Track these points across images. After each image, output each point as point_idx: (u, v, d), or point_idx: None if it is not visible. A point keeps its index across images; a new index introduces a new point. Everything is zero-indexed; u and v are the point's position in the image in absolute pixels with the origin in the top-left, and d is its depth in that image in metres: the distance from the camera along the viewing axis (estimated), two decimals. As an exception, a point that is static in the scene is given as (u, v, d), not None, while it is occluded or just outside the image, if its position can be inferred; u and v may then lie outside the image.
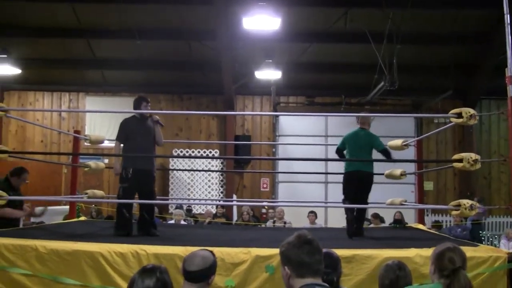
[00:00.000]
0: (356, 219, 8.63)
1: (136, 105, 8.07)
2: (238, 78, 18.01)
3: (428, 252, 4.59)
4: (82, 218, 11.01)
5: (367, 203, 8.87)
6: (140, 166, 7.83)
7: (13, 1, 15.70)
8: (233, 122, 19.24)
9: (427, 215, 17.44)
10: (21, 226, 9.44)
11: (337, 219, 14.50)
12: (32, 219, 10.96)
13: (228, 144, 18.50)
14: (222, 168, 18.91)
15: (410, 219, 14.59)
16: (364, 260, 5.92)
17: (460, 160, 6.83)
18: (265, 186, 19.21)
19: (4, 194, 7.16)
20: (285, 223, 14.08)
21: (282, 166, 19.01)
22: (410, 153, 11.11)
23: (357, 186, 8.66)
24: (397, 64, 15.05)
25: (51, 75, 19.14)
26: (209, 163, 18.66)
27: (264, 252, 5.94)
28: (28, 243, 6.07)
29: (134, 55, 17.78)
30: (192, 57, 17.80)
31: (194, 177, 18.67)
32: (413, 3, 14.07)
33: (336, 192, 16.43)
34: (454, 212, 6.96)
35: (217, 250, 5.87)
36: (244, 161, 18.93)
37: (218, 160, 19.17)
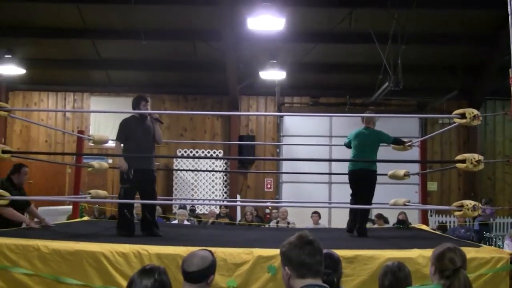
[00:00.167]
0: (358, 218, 8.64)
1: (135, 105, 8.02)
2: (242, 78, 18.02)
3: (430, 253, 4.57)
4: (85, 218, 11.01)
5: (370, 203, 8.84)
6: (141, 166, 7.80)
7: (18, 2, 15.73)
8: (237, 122, 19.25)
9: (431, 216, 17.41)
10: (23, 225, 9.44)
11: (341, 219, 14.45)
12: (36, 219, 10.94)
13: (232, 144, 18.50)
14: (226, 169, 18.92)
15: (414, 220, 14.55)
16: (366, 260, 5.90)
17: (463, 161, 6.80)
18: (269, 186, 19.20)
19: (6, 194, 7.15)
20: (288, 223, 14.07)
21: (286, 166, 19.01)
22: (414, 153, 11.07)
23: (357, 184, 8.70)
24: (402, 64, 15.01)
25: (56, 75, 19.19)
26: (213, 163, 18.68)
27: (266, 253, 5.93)
28: (30, 243, 6.06)
29: (139, 55, 17.81)
30: (197, 57, 17.83)
31: (198, 177, 18.69)
32: (418, 3, 14.04)
33: (340, 193, 16.58)
34: (457, 213, 6.93)
35: (219, 251, 5.91)
36: (248, 162, 18.94)
37: (222, 160, 19.19)
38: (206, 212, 16.51)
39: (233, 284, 5.82)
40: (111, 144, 9.73)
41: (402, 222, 13.43)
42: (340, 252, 5.77)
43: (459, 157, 6.95)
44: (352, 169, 8.76)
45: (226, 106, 19.20)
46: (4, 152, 7.13)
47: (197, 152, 18.84)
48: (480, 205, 6.80)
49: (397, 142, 9.08)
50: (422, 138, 11.64)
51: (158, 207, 14.61)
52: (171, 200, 17.30)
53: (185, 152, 18.74)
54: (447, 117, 15.50)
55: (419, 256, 5.84)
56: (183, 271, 3.96)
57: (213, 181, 18.78)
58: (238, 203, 17.40)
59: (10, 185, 8.00)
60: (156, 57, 18.02)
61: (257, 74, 16.92)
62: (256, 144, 18.83)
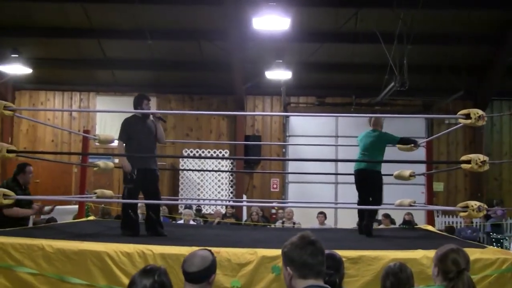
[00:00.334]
0: (365, 218, 8.68)
1: (137, 104, 8.00)
2: (248, 78, 17.99)
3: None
4: (91, 217, 11.03)
5: (380, 203, 8.87)
6: (144, 165, 7.80)
7: (24, 2, 15.77)
8: (243, 122, 19.25)
9: (438, 217, 17.37)
10: (30, 224, 9.47)
11: (347, 220, 14.51)
12: (42, 216, 10.98)
13: (238, 144, 18.49)
14: (232, 168, 18.92)
15: (421, 220, 14.52)
16: (370, 261, 5.89)
17: (468, 162, 6.78)
18: (275, 186, 19.19)
19: (11, 193, 7.16)
20: (294, 223, 14.06)
21: (292, 166, 18.99)
22: (420, 154, 11.04)
23: (361, 184, 8.79)
24: (408, 64, 14.96)
25: (62, 74, 19.25)
26: (219, 163, 18.68)
27: (271, 253, 5.92)
28: (35, 243, 6.07)
29: (145, 55, 17.83)
30: (202, 57, 17.83)
31: (204, 177, 18.70)
32: (423, 3, 14.00)
33: (346, 193, 16.56)
34: (462, 214, 6.91)
35: (223, 251, 5.92)
36: (254, 162, 18.94)
37: (228, 160, 19.19)
38: (212, 212, 16.52)
39: (237, 284, 5.83)
40: (116, 143, 9.76)
41: (408, 223, 13.42)
42: (344, 253, 5.78)
43: (464, 158, 6.92)
44: (357, 169, 8.84)
45: (232, 106, 19.20)
46: (9, 151, 7.14)
47: (203, 152, 18.86)
48: (485, 206, 6.77)
49: (404, 142, 9.09)
50: (428, 139, 11.60)
51: (164, 207, 14.70)
52: (177, 200, 17.30)
53: (191, 152, 18.76)
54: (452, 118, 15.46)
55: (424, 257, 5.82)
56: (184, 271, 3.96)
57: (219, 181, 18.78)
58: (244, 203, 17.39)
59: (15, 185, 8.03)
60: (162, 57, 18.03)
61: (263, 74, 16.90)
62: (262, 144, 18.83)
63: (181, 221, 13.80)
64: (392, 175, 10.12)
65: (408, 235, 9.41)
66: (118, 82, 19.31)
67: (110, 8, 16.22)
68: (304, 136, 19.05)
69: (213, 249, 5.78)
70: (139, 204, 8.41)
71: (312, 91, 19.36)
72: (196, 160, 18.49)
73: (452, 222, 17.48)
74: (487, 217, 16.47)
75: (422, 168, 11.12)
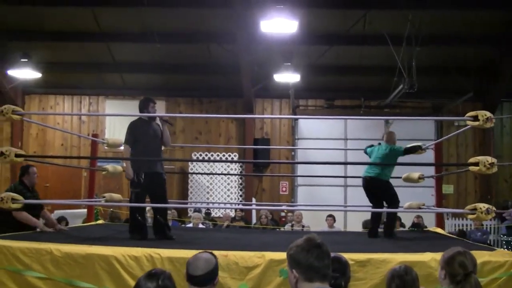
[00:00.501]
0: (385, 223, 8.97)
1: (143, 107, 7.99)
2: (257, 81, 17.97)
3: (443, 256, 4.55)
4: (100, 221, 11.06)
5: (393, 206, 8.97)
6: (151, 169, 7.79)
7: (33, 6, 15.82)
8: (252, 125, 19.25)
9: (448, 219, 17.31)
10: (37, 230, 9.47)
11: (357, 223, 14.46)
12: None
13: (247, 147, 18.49)
14: (241, 172, 18.90)
15: (431, 223, 14.45)
16: (379, 264, 5.87)
17: (477, 164, 6.76)
18: (284, 189, 19.18)
19: (20, 197, 7.18)
20: (303, 226, 14.03)
21: (301, 169, 18.95)
22: (430, 156, 11.02)
23: (369, 192, 9.03)
24: (416, 66, 14.96)
25: (71, 78, 19.31)
26: (228, 166, 18.69)
27: (278, 256, 5.90)
28: (43, 247, 6.09)
29: (154, 58, 17.88)
30: (211, 60, 17.82)
31: (213, 181, 18.71)
32: (432, 5, 13.98)
33: (356, 196, 16.51)
34: (470, 216, 6.89)
35: (231, 254, 5.92)
36: (263, 165, 18.93)
37: (237, 163, 19.19)
38: (221, 216, 16.53)
39: (245, 287, 5.82)
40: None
41: (417, 225, 13.38)
42: (352, 256, 5.79)
43: (472, 160, 6.91)
44: (364, 176, 9.03)
45: (241, 109, 19.21)
46: (17, 156, 7.16)
47: (212, 155, 18.87)
48: (494, 208, 6.75)
49: (408, 152, 9.12)
50: (437, 141, 11.58)
51: (173, 211, 14.71)
52: (186, 203, 17.31)
53: (200, 155, 18.79)
54: (460, 120, 15.42)
55: (432, 260, 5.79)
56: (189, 275, 3.97)
57: (228, 184, 18.79)
58: (253, 206, 17.38)
59: (23, 188, 8.03)
60: (170, 60, 18.06)
61: (271, 77, 16.91)
62: (271, 148, 18.85)
63: (190, 225, 13.81)
64: (401, 177, 10.11)
65: (417, 237, 9.38)
66: (127, 85, 19.36)
67: (119, 12, 16.25)
68: (313, 139, 19.03)
69: (221, 252, 5.85)
70: (147, 208, 8.42)
71: (320, 93, 19.34)
72: (205, 163, 18.52)
73: (462, 225, 17.43)
74: (502, 219, 16.44)
75: (431, 170, 11.08)
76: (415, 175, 9.85)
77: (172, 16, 16.17)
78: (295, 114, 19.33)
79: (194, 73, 18.53)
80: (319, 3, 15.30)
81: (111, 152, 16.39)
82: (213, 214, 17.44)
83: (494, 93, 18.22)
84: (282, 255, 5.86)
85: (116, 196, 10.45)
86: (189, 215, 16.75)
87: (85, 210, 11.70)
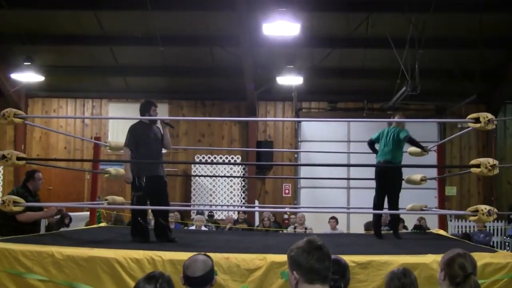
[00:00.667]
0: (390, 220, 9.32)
1: (145, 110, 7.98)
2: (260, 83, 17.96)
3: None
4: (103, 224, 11.06)
5: (397, 197, 9.09)
6: (153, 173, 7.78)
7: (37, 10, 15.87)
8: (255, 128, 19.25)
9: (451, 221, 17.31)
10: (43, 229, 9.49)
11: (360, 225, 14.45)
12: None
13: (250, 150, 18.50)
14: (244, 174, 18.90)
15: (434, 225, 14.44)
16: (380, 266, 5.85)
17: (478, 166, 6.76)
18: (287, 191, 19.18)
19: (21, 200, 7.19)
20: (306, 228, 14.02)
21: (304, 171, 18.95)
22: (433, 158, 11.00)
23: (379, 176, 9.12)
24: (419, 69, 14.96)
25: (74, 82, 19.35)
26: (231, 168, 18.68)
27: (280, 258, 5.89)
28: (45, 249, 6.08)
29: (157, 61, 17.91)
30: (214, 63, 17.86)
31: (216, 183, 18.73)
32: (435, 8, 13.97)
33: (358, 198, 16.53)
34: (471, 218, 6.88)
35: (232, 256, 5.91)
36: (266, 167, 18.93)
37: (240, 165, 19.19)
38: (224, 218, 16.54)
39: (246, 290, 5.82)
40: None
41: (420, 227, 13.36)
42: (354, 258, 5.79)
43: (473, 162, 6.91)
44: (379, 160, 9.18)
45: (244, 112, 19.23)
46: (19, 159, 7.17)
47: (215, 157, 18.89)
48: (495, 210, 6.74)
49: (413, 142, 9.14)
50: (439, 143, 11.57)
51: (176, 213, 14.72)
52: (189, 206, 17.31)
53: (203, 158, 18.81)
54: (462, 122, 15.42)
55: (433, 262, 5.77)
56: (188, 277, 3.99)
57: (231, 186, 18.80)
58: (256, 208, 17.37)
59: (25, 192, 8.04)
60: (174, 63, 18.08)
61: (274, 80, 16.93)
62: (274, 151, 18.85)
63: (193, 227, 13.81)
64: (403, 179, 10.11)
65: (419, 239, 9.37)
66: (130, 88, 19.39)
67: (122, 15, 16.30)
68: (316, 141, 19.02)
69: (222, 255, 5.85)
70: (148, 211, 8.42)
71: (323, 96, 19.35)
72: (208, 166, 18.54)
73: (466, 227, 17.43)
74: (510, 220, 16.45)
75: (434, 172, 11.07)
76: (417, 177, 9.86)
77: (175, 20, 16.22)
78: (298, 117, 19.36)
79: (197, 76, 18.53)
80: (321, 6, 15.33)
81: (114, 155, 16.38)
82: (216, 216, 17.43)
83: (497, 95, 18.22)
84: (284, 257, 5.82)
85: (119, 198, 10.46)
86: (192, 217, 16.75)
87: (88, 213, 11.73)
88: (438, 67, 17.17)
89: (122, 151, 8.32)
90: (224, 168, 18.60)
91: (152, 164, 7.83)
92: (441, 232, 10.04)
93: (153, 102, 8.13)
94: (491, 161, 6.74)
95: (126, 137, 7.95)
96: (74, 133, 19.10)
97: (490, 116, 6.79)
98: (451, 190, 18.26)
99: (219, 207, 18.11)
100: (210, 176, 18.09)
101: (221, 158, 18.89)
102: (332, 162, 16.20)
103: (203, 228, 13.60)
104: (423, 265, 5.72)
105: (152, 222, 8.24)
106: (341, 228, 15.41)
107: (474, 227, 16.43)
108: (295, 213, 15.35)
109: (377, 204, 9.11)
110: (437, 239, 9.19)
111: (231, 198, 18.64)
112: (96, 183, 10.66)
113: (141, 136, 7.84)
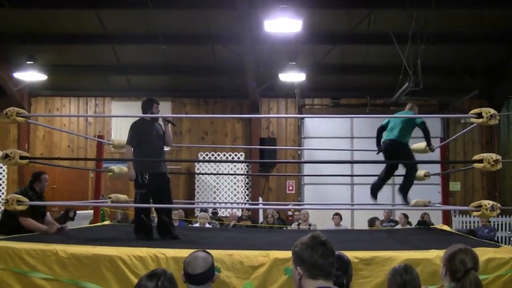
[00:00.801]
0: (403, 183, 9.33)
1: (147, 107, 7.97)
2: (262, 81, 17.95)
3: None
4: (106, 222, 11.07)
5: (414, 172, 9.35)
6: (156, 170, 7.78)
7: (39, 9, 15.89)
8: (258, 125, 19.24)
9: (455, 216, 17.30)
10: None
11: (363, 221, 14.45)
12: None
13: (254, 147, 18.49)
14: (247, 171, 18.90)
15: (438, 220, 14.41)
16: (384, 262, 5.84)
17: (481, 161, 6.75)
18: (290, 188, 19.19)
19: (25, 199, 7.19)
20: (310, 225, 14.03)
21: (307, 168, 18.94)
22: (436, 154, 10.98)
23: (387, 154, 9.25)
24: (422, 64, 14.93)
25: (77, 80, 19.39)
26: (235, 166, 18.69)
27: (283, 255, 5.89)
28: (49, 248, 6.09)
29: (159, 60, 17.92)
30: (216, 61, 17.86)
31: (219, 181, 18.73)
32: (436, 3, 13.94)
33: (362, 194, 16.47)
34: (475, 213, 6.88)
35: (236, 253, 5.91)
36: (269, 164, 18.93)
37: (244, 163, 19.20)
38: (228, 215, 16.55)
39: (250, 286, 5.81)
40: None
41: (423, 223, 13.36)
42: (357, 254, 5.79)
43: (476, 157, 6.91)
44: (384, 140, 9.31)
45: (247, 109, 19.23)
46: (22, 158, 7.18)
47: (218, 155, 18.88)
48: (499, 205, 6.73)
49: (426, 132, 9.26)
50: (444, 143, 11.51)
51: (180, 211, 14.73)
52: (193, 203, 17.32)
53: (207, 155, 18.82)
54: (464, 117, 15.41)
55: (437, 257, 5.75)
56: (188, 274, 4.00)
57: (235, 183, 18.80)
58: (260, 205, 17.37)
59: (33, 194, 8.02)
60: (176, 61, 18.07)
61: (277, 76, 16.91)
62: (278, 148, 18.84)
63: (197, 224, 13.82)
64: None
65: (423, 235, 9.37)
66: (133, 87, 19.41)
67: (124, 14, 16.30)
68: (320, 137, 19.00)
69: (226, 252, 5.85)
70: (152, 208, 8.42)
71: (326, 92, 19.34)
72: (212, 163, 18.55)
73: (470, 222, 17.40)
74: None
75: (438, 168, 11.06)
76: (421, 172, 9.85)
77: (177, 18, 16.22)
78: (301, 113, 19.35)
79: (199, 74, 18.54)
80: (323, 2, 15.33)
81: (117, 153, 16.40)
82: (220, 213, 17.46)
83: (500, 90, 18.19)
84: (287, 254, 5.85)
85: (122, 197, 10.47)
86: (196, 215, 16.76)
87: (92, 211, 11.74)
88: (440, 63, 17.14)
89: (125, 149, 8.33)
90: (228, 166, 18.62)
91: (155, 161, 7.83)
92: (445, 227, 10.04)
93: (155, 100, 8.12)
94: (494, 156, 6.74)
95: (128, 134, 7.95)
96: (77, 131, 19.13)
97: (492, 111, 6.79)
98: (455, 186, 18.25)
99: (223, 205, 18.12)
100: (214, 174, 18.10)
101: (224, 155, 18.88)
102: (335, 159, 16.18)
103: (207, 225, 13.61)
104: (427, 261, 5.71)
105: (156, 220, 8.23)
106: (345, 224, 15.42)
107: (478, 222, 16.41)
108: (299, 210, 15.35)
109: (380, 176, 9.39)
110: (440, 234, 9.17)
111: (234, 195, 18.64)
112: (99, 182, 10.68)
113: (143, 134, 7.84)
